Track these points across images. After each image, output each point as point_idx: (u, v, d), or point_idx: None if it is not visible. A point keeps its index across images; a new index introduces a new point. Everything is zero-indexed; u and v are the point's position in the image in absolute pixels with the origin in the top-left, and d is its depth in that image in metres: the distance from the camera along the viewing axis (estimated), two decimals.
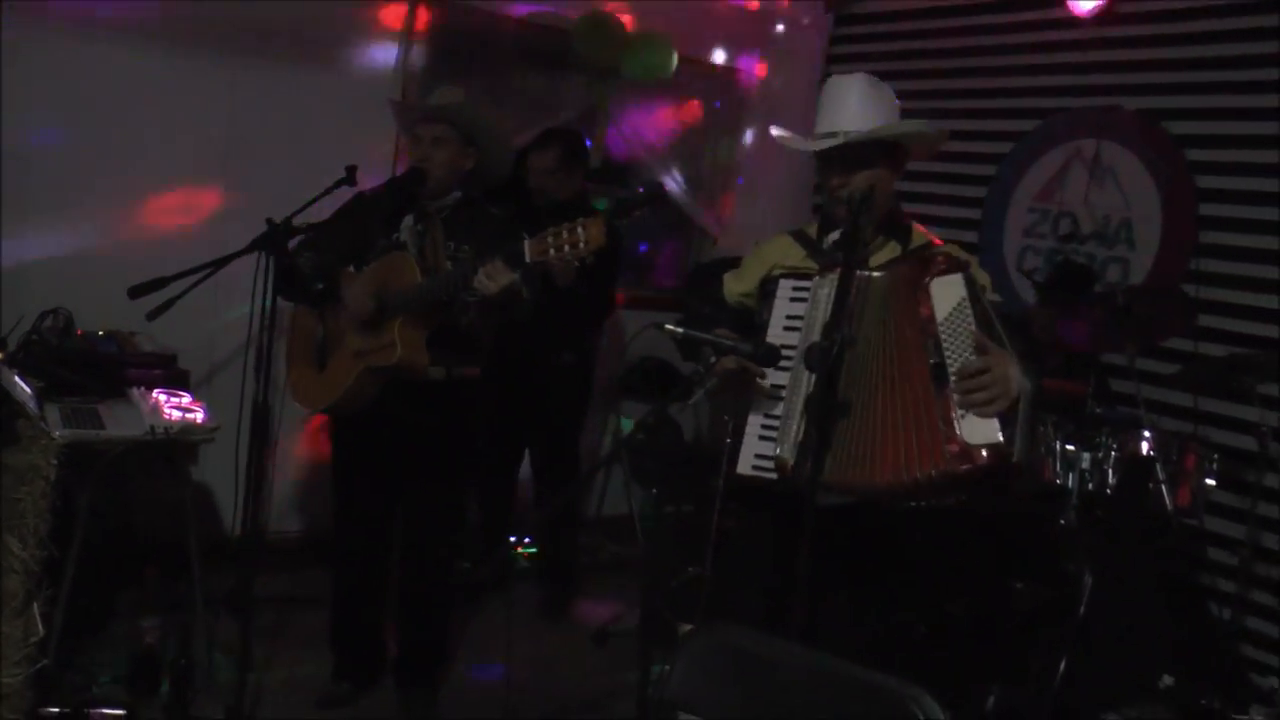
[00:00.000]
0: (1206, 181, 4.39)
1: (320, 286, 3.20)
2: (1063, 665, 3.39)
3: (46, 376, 3.40)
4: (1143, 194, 4.57)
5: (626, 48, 4.91)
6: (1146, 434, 3.70)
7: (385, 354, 3.18)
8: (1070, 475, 3.61)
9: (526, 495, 4.67)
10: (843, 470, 2.37)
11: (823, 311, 2.43)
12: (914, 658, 2.47)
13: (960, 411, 2.31)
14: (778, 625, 2.30)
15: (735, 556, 3.00)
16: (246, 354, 3.03)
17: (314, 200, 3.09)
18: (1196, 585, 4.20)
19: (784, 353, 2.44)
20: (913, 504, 2.43)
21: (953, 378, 2.33)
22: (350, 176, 3.16)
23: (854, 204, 2.45)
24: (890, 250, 2.59)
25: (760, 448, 2.49)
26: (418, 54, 4.61)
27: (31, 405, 3.19)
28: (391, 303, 3.18)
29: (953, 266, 2.41)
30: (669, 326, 2.50)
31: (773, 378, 2.49)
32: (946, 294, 2.38)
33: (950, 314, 2.37)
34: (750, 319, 2.64)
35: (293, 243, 3.07)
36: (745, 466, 2.51)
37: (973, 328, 2.34)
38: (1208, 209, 4.39)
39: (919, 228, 2.65)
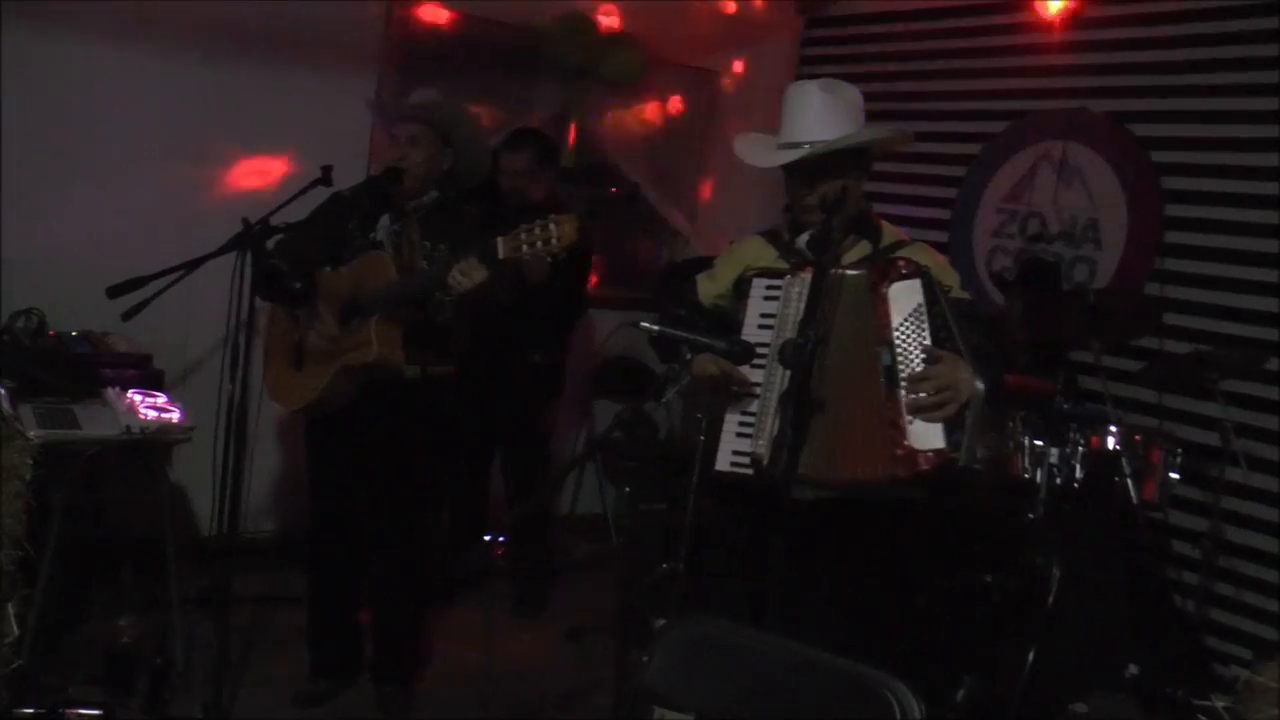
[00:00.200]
0: (1171, 183, 4.47)
1: (298, 286, 3.21)
2: (1031, 656, 3.44)
3: (20, 377, 3.39)
4: (1109, 195, 4.64)
5: (600, 49, 4.94)
6: (1113, 429, 3.76)
7: (362, 353, 3.19)
8: (1039, 470, 3.66)
9: (499, 494, 4.69)
10: (816, 465, 2.42)
11: (795, 310, 2.46)
12: (886, 650, 2.51)
13: (909, 416, 2.38)
14: (753, 619, 2.34)
15: (711, 552, 3.03)
16: (224, 354, 3.03)
17: (290, 200, 3.11)
18: (1161, 577, 4.27)
19: (758, 351, 2.48)
20: (878, 498, 2.49)
21: (904, 383, 2.39)
22: (326, 177, 3.18)
23: (827, 204, 2.49)
24: (861, 249, 2.63)
25: (737, 444, 2.52)
26: (394, 54, 4.62)
27: (6, 405, 3.19)
28: (368, 302, 3.20)
29: (912, 272, 2.45)
30: (645, 324, 2.54)
31: (748, 376, 2.52)
32: (903, 299, 2.43)
33: (905, 319, 2.43)
34: (725, 320, 2.68)
35: (270, 243, 3.08)
36: (723, 463, 2.54)
37: (927, 334, 2.40)
38: (1173, 210, 4.46)
39: (889, 226, 2.69)
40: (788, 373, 2.32)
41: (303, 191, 3.15)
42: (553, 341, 4.52)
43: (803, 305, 2.39)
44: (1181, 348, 4.27)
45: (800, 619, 2.37)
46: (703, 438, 2.64)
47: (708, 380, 2.51)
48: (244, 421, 3.02)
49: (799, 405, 2.29)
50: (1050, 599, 3.49)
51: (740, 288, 2.64)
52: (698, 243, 5.61)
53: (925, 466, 2.37)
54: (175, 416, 3.40)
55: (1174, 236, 4.45)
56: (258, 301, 3.05)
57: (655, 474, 4.72)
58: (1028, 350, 4.21)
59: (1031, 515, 3.64)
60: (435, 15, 4.74)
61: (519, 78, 5.03)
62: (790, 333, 2.41)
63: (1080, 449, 3.69)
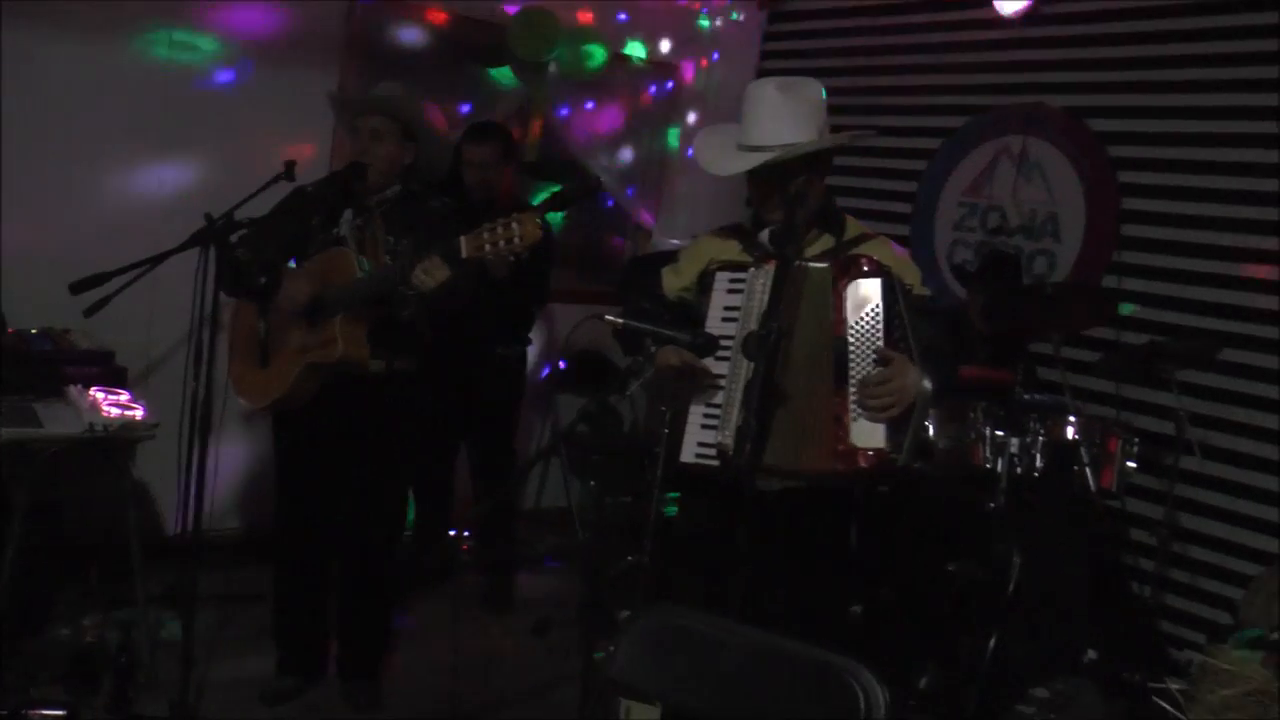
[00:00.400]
0: (1128, 177, 4.54)
1: (263, 281, 3.20)
2: (993, 642, 3.50)
3: None
4: (1067, 189, 4.71)
5: (560, 43, 4.94)
6: (1072, 419, 3.82)
7: (327, 351, 3.19)
8: (1000, 459, 3.71)
9: (465, 489, 4.69)
10: (779, 455, 2.45)
11: (759, 302, 2.48)
12: (849, 638, 2.55)
13: (854, 414, 2.42)
14: (718, 608, 2.37)
15: (676, 543, 3.05)
16: (188, 350, 3.02)
17: (253, 195, 3.10)
18: (1118, 564, 4.34)
19: (722, 343, 2.50)
20: (840, 488, 2.53)
21: (852, 382, 2.43)
22: (289, 171, 3.17)
23: (788, 200, 2.51)
24: (824, 242, 2.65)
25: (703, 436, 2.54)
26: (356, 48, 4.60)
27: None
28: (332, 299, 3.19)
29: (873, 270, 2.48)
30: (609, 317, 2.55)
31: (713, 368, 2.55)
32: (862, 297, 2.46)
33: (861, 318, 2.46)
34: (689, 313, 2.70)
35: (233, 238, 3.06)
36: (689, 455, 2.56)
37: (880, 335, 2.43)
38: (1129, 203, 4.53)
39: (852, 220, 2.71)
40: (751, 364, 2.35)
41: (265, 186, 3.13)
42: (516, 335, 4.52)
43: (766, 297, 2.41)
44: (1138, 339, 4.34)
45: (766, 608, 2.40)
46: (667, 430, 2.65)
47: (671, 372, 2.54)
48: (208, 419, 3.00)
49: (762, 396, 2.31)
50: (1011, 587, 3.55)
51: (704, 281, 2.66)
52: (660, 236, 5.63)
53: (864, 465, 2.42)
54: (139, 414, 3.37)
55: (1131, 229, 4.52)
56: (222, 297, 3.03)
57: (620, 467, 4.73)
58: (989, 342, 4.27)
59: (993, 504, 3.69)
60: (398, 10, 4.72)
61: (480, 72, 5.03)
62: (754, 325, 2.42)
63: (1040, 439, 3.75)
